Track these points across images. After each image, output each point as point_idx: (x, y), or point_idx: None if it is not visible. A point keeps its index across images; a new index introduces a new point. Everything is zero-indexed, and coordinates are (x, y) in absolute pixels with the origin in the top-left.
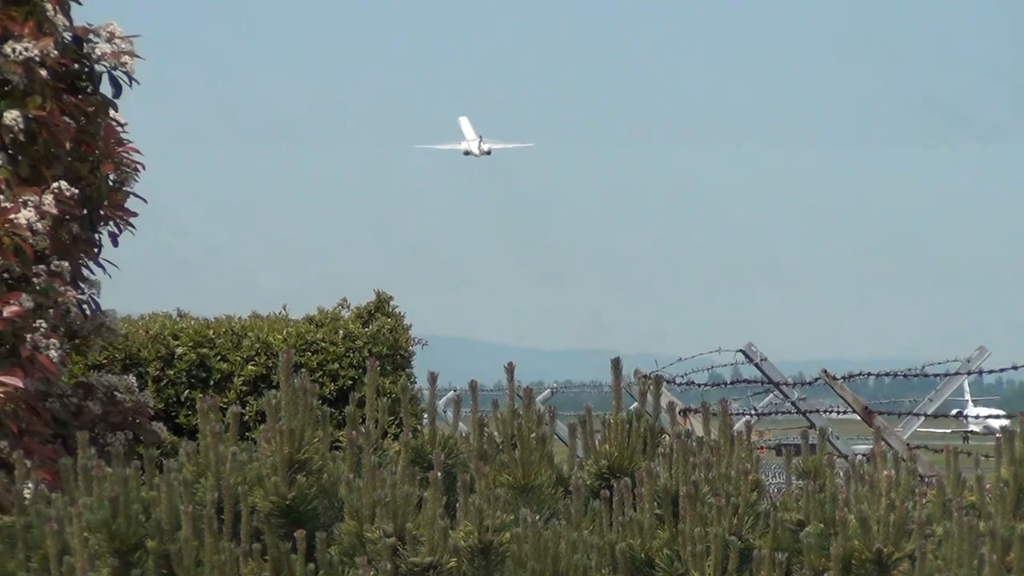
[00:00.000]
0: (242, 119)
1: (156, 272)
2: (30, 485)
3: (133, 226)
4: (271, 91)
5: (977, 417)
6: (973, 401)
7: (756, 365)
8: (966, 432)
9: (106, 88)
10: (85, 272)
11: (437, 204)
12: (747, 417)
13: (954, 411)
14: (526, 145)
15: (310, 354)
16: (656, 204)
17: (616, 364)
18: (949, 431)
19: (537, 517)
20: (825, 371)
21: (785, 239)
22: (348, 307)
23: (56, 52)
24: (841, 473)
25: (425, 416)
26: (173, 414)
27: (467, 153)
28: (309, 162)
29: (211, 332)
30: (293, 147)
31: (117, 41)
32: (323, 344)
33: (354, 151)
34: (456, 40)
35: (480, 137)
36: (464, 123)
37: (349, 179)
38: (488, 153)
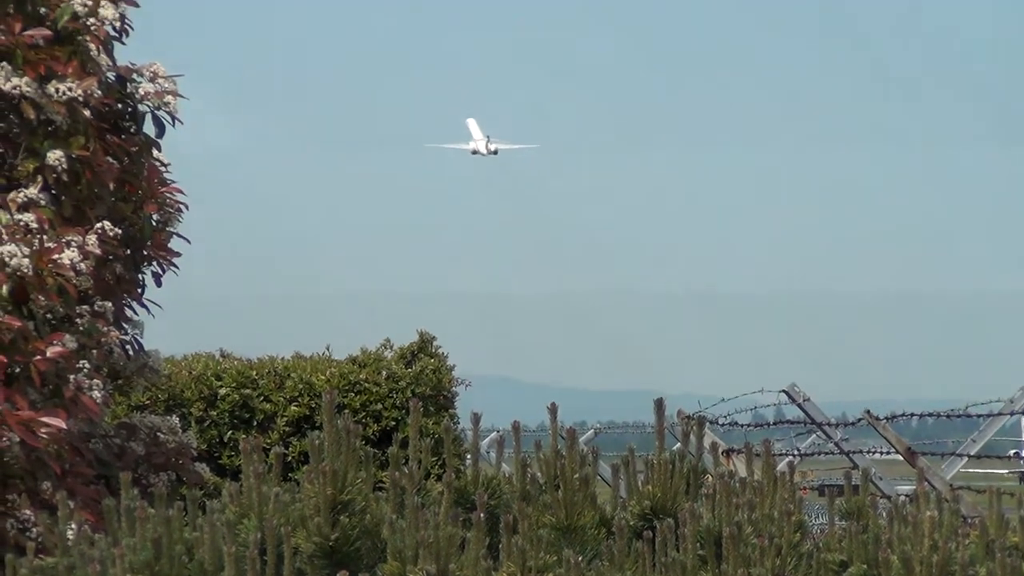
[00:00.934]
0: (258, 131)
1: (199, 312)
2: (73, 526)
3: (176, 266)
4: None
5: None
6: None
7: (799, 406)
8: (1023, 473)
9: (149, 128)
10: (128, 312)
11: (466, 232)
12: (790, 458)
13: (1011, 452)
14: (531, 146)
15: (353, 395)
16: (687, 233)
17: (659, 405)
18: (1006, 471)
19: (580, 558)
20: (868, 411)
21: (827, 276)
22: (391, 347)
23: (99, 92)
24: (884, 514)
25: (468, 457)
26: (216, 455)
27: (475, 152)
28: (335, 170)
29: (254, 373)
30: (318, 152)
31: (160, 81)
32: (366, 385)
33: (373, 156)
34: (463, 42)
35: (488, 137)
36: (472, 124)
37: (374, 191)
38: (495, 153)
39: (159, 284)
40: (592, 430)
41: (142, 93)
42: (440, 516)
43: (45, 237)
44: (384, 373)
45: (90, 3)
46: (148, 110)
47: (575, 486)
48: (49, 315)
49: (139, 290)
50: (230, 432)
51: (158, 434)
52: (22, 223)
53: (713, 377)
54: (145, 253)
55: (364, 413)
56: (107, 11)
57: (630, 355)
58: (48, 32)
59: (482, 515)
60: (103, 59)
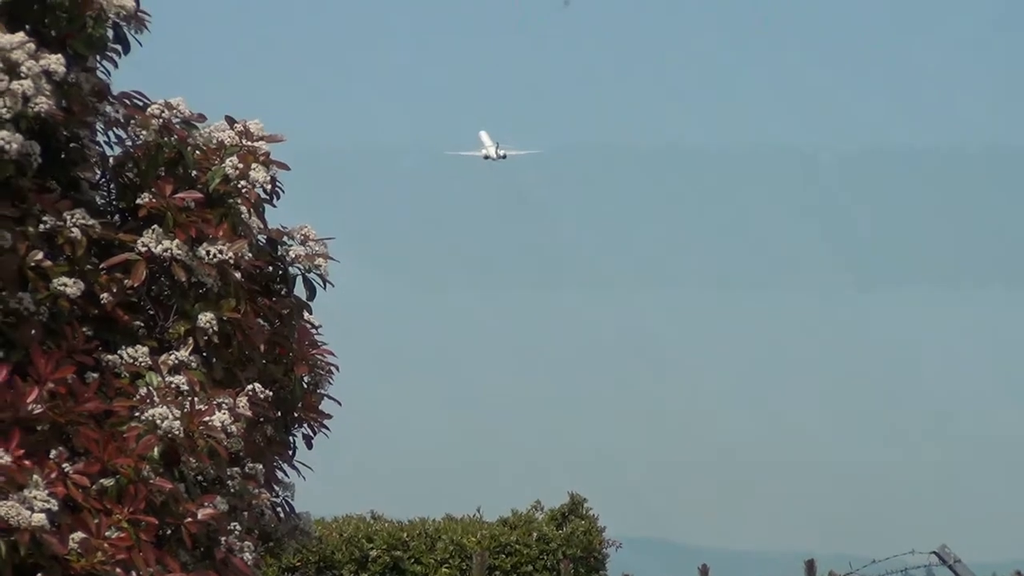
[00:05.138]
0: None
1: (350, 474)
2: None
3: (327, 428)
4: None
5: None
6: None
7: (950, 567)
8: None
9: (300, 290)
10: (279, 474)
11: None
12: None
13: None
14: (534, 152)
15: (504, 556)
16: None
17: (810, 566)
18: None
19: None
20: (1018, 572)
21: (981, 424)
22: (542, 509)
23: (250, 254)
24: None
25: None
26: None
27: (486, 157)
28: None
29: (405, 534)
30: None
31: (311, 243)
32: (517, 546)
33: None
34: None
35: (497, 144)
36: (484, 136)
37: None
38: (504, 157)
39: (310, 446)
40: None
41: (293, 256)
42: None
43: (196, 399)
44: (535, 535)
45: (241, 166)
46: (299, 272)
47: None
48: (200, 477)
49: (290, 452)
50: None
51: None
52: (173, 385)
53: (864, 537)
54: (296, 415)
55: (515, 574)
56: (258, 174)
57: (783, 515)
58: (199, 195)
59: None
60: (254, 221)
